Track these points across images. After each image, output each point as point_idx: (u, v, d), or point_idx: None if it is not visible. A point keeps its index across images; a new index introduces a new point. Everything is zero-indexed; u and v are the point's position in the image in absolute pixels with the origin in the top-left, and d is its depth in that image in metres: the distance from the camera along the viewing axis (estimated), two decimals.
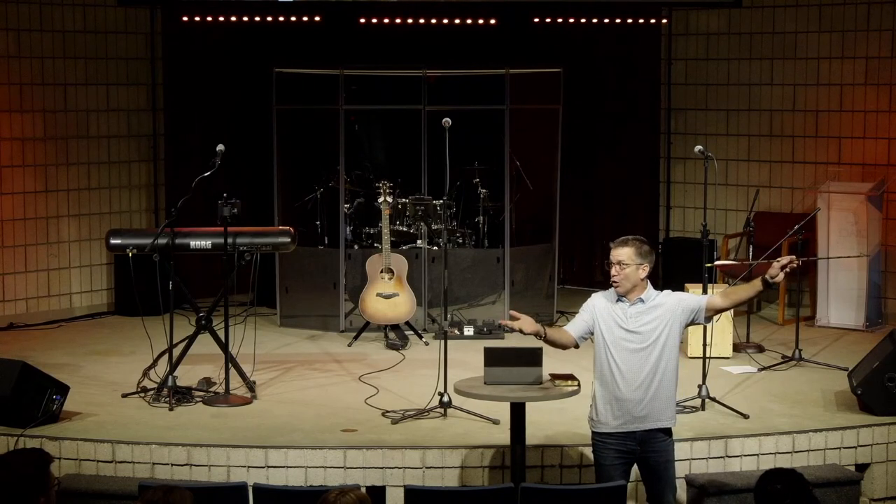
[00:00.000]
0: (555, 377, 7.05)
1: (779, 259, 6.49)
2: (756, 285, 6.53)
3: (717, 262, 8.34)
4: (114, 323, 11.46)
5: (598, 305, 6.53)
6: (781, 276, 6.43)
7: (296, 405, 8.69)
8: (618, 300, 6.48)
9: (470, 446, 7.67)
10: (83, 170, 11.67)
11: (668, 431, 6.56)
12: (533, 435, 7.34)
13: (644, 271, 6.46)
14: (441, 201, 10.62)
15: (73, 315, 11.58)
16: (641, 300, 6.46)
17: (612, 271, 6.45)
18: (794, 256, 6.57)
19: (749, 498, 6.34)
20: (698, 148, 9.06)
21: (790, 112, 11.87)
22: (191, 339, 9.00)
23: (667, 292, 6.56)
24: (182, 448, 7.66)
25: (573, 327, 6.58)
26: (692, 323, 6.59)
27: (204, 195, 8.92)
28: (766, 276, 6.43)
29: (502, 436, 7.56)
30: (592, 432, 6.59)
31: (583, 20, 11.99)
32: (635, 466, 6.64)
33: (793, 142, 11.89)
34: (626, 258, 6.43)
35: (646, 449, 6.49)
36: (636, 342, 6.42)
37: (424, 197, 10.96)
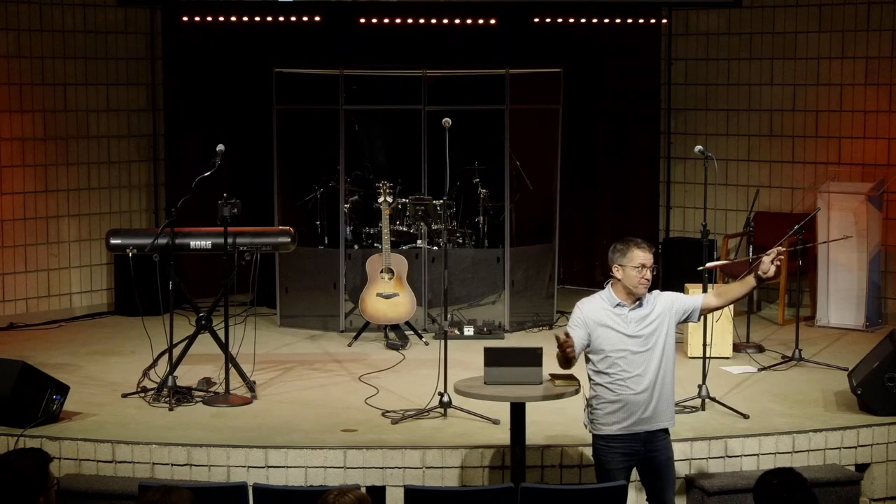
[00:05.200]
0: (555, 377, 7.05)
1: (768, 253, 6.51)
2: (749, 282, 6.62)
3: (708, 265, 8.38)
4: (114, 323, 11.46)
5: (589, 316, 6.44)
6: (773, 269, 6.48)
7: (296, 405, 8.69)
8: (616, 305, 6.44)
9: (470, 446, 7.67)
10: (83, 170, 11.67)
11: (666, 430, 6.57)
12: (533, 435, 7.33)
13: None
14: (441, 201, 10.62)
15: (73, 315, 11.58)
16: (640, 304, 6.46)
17: (647, 275, 6.39)
18: (780, 248, 6.61)
19: (749, 498, 6.34)
20: (698, 148, 9.06)
21: (790, 112, 11.87)
22: (191, 339, 9.00)
23: (656, 293, 6.55)
24: (182, 448, 7.66)
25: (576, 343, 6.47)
26: (685, 321, 6.62)
27: (204, 195, 8.92)
28: (759, 273, 6.48)
29: (502, 436, 7.56)
30: (595, 435, 6.54)
31: (583, 20, 12.01)
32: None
33: (793, 142, 11.89)
34: (652, 262, 6.45)
35: (649, 448, 6.49)
36: (640, 345, 6.41)
37: (424, 197, 10.95)
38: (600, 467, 6.55)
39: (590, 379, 6.56)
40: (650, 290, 6.55)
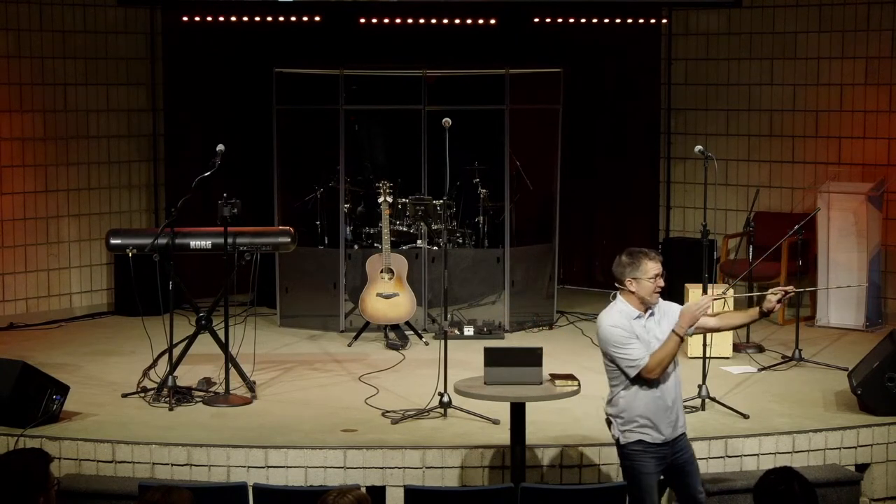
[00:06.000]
0: (555, 377, 7.06)
1: (773, 291, 6.51)
2: (752, 314, 6.68)
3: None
4: (114, 323, 11.46)
5: (630, 329, 6.39)
6: (778, 307, 6.56)
7: (296, 405, 8.69)
8: (637, 317, 6.43)
9: (470, 446, 7.67)
10: (83, 170, 11.67)
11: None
12: (533, 435, 7.33)
13: None
14: (441, 201, 10.62)
15: (73, 315, 11.58)
16: (652, 312, 6.47)
17: (661, 283, 6.43)
18: (791, 287, 6.63)
19: (749, 498, 6.34)
20: (698, 148, 9.06)
21: (790, 112, 11.87)
22: (191, 339, 9.00)
23: (659, 300, 6.56)
24: (182, 448, 7.66)
25: (644, 351, 6.40)
26: None
27: (204, 195, 8.91)
28: (763, 308, 6.53)
29: (502, 436, 7.56)
30: (628, 444, 6.47)
31: (583, 20, 12.01)
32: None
33: (793, 142, 11.89)
34: (662, 269, 6.48)
35: (675, 450, 6.52)
36: None
37: (424, 197, 10.95)
38: (636, 472, 6.48)
39: (616, 388, 6.47)
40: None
